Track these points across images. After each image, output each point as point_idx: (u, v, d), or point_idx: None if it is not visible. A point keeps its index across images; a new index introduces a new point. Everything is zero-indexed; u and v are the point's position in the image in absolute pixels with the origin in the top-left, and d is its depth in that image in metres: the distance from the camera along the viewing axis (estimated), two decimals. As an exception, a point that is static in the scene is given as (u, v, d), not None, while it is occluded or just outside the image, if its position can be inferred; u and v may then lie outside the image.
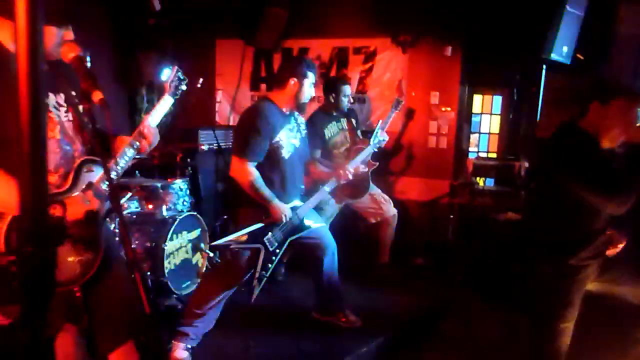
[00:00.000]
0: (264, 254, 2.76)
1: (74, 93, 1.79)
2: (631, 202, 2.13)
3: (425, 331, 3.46)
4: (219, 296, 2.85)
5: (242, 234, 2.70)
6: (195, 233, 3.82)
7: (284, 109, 2.90)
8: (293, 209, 2.89)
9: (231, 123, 5.55)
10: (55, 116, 1.75)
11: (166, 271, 3.46)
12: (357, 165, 3.22)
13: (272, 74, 5.50)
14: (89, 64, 1.74)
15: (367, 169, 3.52)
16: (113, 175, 1.79)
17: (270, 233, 2.79)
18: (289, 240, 2.88)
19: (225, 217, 4.53)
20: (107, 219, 1.87)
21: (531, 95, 4.69)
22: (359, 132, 4.12)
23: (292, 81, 2.84)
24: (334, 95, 3.95)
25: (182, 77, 2.09)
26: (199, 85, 3.95)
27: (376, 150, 3.62)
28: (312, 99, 3.15)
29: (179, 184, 3.97)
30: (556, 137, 2.36)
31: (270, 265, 2.81)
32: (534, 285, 2.45)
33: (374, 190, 4.14)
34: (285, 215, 2.79)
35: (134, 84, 5.11)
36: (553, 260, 2.30)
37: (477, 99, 5.25)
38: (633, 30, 4.17)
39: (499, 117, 5.23)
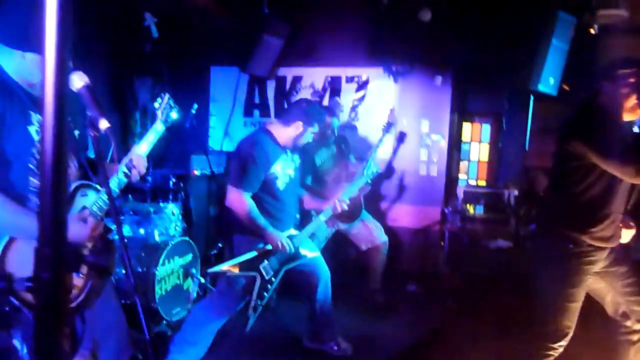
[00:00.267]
0: (260, 282, 2.76)
1: (69, 120, 1.82)
2: None
3: (417, 359, 3.44)
4: (212, 324, 2.83)
5: (237, 261, 2.70)
6: (187, 258, 3.80)
7: (281, 144, 2.95)
8: (289, 237, 2.90)
9: (223, 149, 5.59)
10: None
11: (157, 297, 3.42)
12: (352, 194, 3.25)
13: (265, 101, 5.58)
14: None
15: (358, 194, 3.55)
16: (103, 204, 1.81)
17: (266, 261, 2.79)
18: (284, 269, 2.88)
19: (220, 244, 4.51)
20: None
21: (519, 124, 4.81)
22: (351, 158, 4.17)
23: (298, 124, 2.90)
24: (323, 123, 4.00)
25: (172, 105, 2.12)
26: (193, 111, 3.98)
27: (369, 181, 3.66)
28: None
29: (172, 208, 3.97)
30: (576, 115, 2.39)
31: (265, 294, 2.80)
32: (544, 261, 2.45)
33: (366, 216, 4.17)
34: (282, 244, 2.80)
35: (129, 108, 5.14)
36: (567, 236, 2.32)
37: (466, 127, 5.36)
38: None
39: (487, 145, 5.34)
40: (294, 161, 3.07)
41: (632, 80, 2.22)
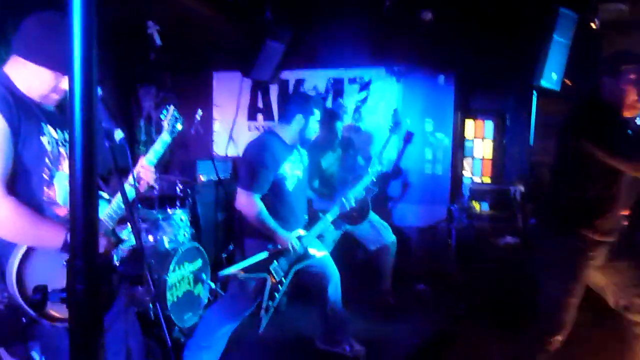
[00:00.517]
0: (271, 283, 2.77)
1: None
2: None
3: (428, 358, 3.45)
4: (225, 328, 2.84)
5: (248, 263, 2.72)
6: (197, 264, 3.82)
7: (288, 142, 2.97)
8: (298, 238, 2.92)
9: (228, 153, 5.62)
10: (64, 152, 1.79)
11: (169, 303, 3.44)
12: (358, 193, 3.27)
13: (269, 104, 5.60)
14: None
15: (365, 195, 3.57)
16: (114, 214, 1.84)
17: (275, 262, 2.81)
18: (294, 270, 2.90)
19: (232, 247, 4.52)
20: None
21: (523, 121, 4.81)
22: (359, 159, 4.18)
23: (298, 117, 2.91)
24: (329, 126, 4.02)
25: (178, 117, 2.20)
26: (197, 117, 4.00)
27: (374, 179, 3.67)
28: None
29: (180, 215, 3.98)
30: (577, 111, 2.39)
31: (277, 295, 2.82)
32: (546, 255, 2.46)
33: (373, 217, 4.18)
34: (292, 244, 2.81)
35: (133, 116, 5.17)
36: (569, 230, 2.33)
37: (469, 124, 5.37)
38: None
39: (491, 142, 5.35)
40: (303, 161, 3.08)
41: (632, 76, 2.23)
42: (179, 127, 2.20)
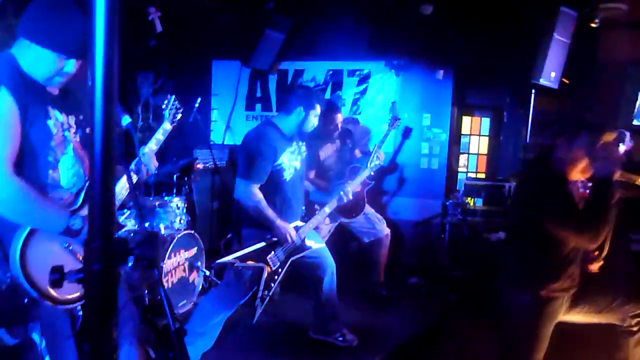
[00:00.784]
0: (267, 273, 2.80)
1: (81, 117, 1.86)
2: (602, 236, 2.14)
3: (420, 350, 3.50)
4: (219, 315, 2.87)
5: (245, 252, 2.74)
6: (193, 251, 3.84)
7: (287, 134, 2.98)
8: (295, 228, 2.94)
9: (225, 142, 5.62)
10: (68, 136, 1.80)
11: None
12: (356, 186, 3.30)
13: (267, 94, 5.60)
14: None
15: (362, 189, 3.60)
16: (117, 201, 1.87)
17: (272, 252, 2.83)
18: (290, 260, 2.92)
19: (230, 235, 4.53)
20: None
21: (520, 118, 4.85)
22: (356, 152, 4.20)
23: (299, 109, 2.92)
24: (327, 118, 4.03)
25: (178, 106, 2.24)
26: (196, 106, 4.00)
27: (372, 173, 3.70)
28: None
29: (176, 202, 3.99)
30: (528, 171, 2.42)
31: (272, 285, 2.84)
32: (504, 316, 2.46)
33: (368, 210, 4.21)
34: (289, 235, 2.84)
35: (130, 103, 5.14)
36: (524, 291, 2.31)
37: (466, 120, 5.40)
38: (615, 56, 4.38)
39: (487, 138, 5.38)
40: (301, 153, 3.09)
41: (587, 143, 2.21)
42: (179, 115, 2.24)
